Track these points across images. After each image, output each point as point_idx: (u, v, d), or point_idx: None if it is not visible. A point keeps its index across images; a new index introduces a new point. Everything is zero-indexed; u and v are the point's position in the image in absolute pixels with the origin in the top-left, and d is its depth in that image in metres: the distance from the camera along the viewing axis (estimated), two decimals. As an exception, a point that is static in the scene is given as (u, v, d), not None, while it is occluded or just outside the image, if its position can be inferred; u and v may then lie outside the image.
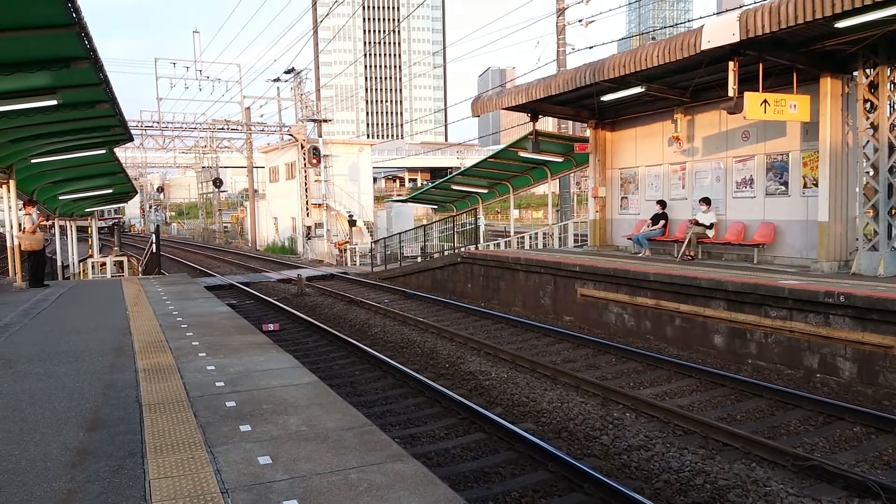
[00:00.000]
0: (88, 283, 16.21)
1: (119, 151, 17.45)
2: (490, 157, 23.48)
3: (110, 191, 21.79)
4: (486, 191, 26.62)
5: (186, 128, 38.06)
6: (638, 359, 10.26)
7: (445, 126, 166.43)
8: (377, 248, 27.25)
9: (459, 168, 39.12)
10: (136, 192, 44.11)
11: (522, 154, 19.87)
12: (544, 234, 23.03)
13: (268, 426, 4.53)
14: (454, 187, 26.98)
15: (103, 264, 23.43)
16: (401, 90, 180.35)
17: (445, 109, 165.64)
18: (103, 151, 14.22)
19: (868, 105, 10.68)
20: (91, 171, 17.07)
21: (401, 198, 43.31)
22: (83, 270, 23.69)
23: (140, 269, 24.24)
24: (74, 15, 6.60)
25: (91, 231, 31.03)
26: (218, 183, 48.05)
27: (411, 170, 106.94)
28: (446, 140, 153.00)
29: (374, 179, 58.44)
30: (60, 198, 20.26)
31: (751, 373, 9.49)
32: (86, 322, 9.21)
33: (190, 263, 32.21)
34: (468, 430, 7.33)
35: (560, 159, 20.79)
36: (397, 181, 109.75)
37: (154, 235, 22.36)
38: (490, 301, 16.42)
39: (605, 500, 5.41)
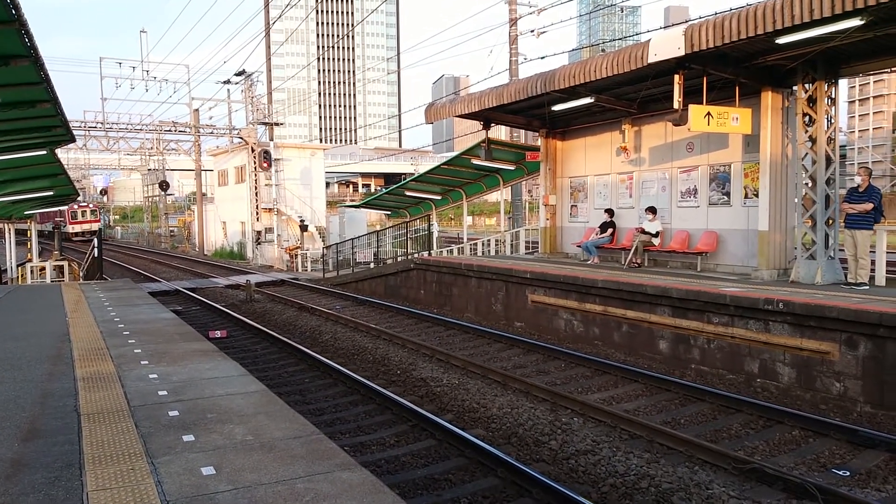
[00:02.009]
0: (27, 289, 15.62)
1: (61, 153, 16.91)
2: (443, 164, 23.54)
3: (51, 193, 21.04)
4: (439, 197, 26.67)
5: (132, 129, 37.06)
6: (586, 364, 10.41)
7: (399, 132, 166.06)
8: (329, 254, 27.02)
9: (413, 174, 39.09)
10: (79, 195, 42.78)
11: (475, 161, 19.98)
12: (497, 240, 23.18)
13: (212, 436, 4.43)
14: (408, 193, 26.95)
15: (42, 269, 22.61)
16: (354, 95, 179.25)
17: (399, 115, 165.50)
18: (44, 153, 13.72)
19: (807, 119, 11.09)
20: (31, 172, 16.46)
21: (354, 203, 43.06)
22: (21, 275, 22.82)
23: (81, 274, 23.48)
24: (14, 11, 6.36)
25: (30, 234, 29.96)
26: (164, 186, 46.94)
27: (365, 175, 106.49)
28: (400, 146, 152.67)
29: (327, 184, 57.99)
30: (-2, 200, 19.50)
31: (694, 378, 9.73)
32: (23, 328, 8.87)
33: (134, 268, 31.35)
34: (419, 436, 7.32)
35: (512, 167, 20.98)
36: (350, 186, 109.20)
37: (96, 239, 21.67)
38: (443, 307, 16.44)
39: (553, 506, 5.47)
